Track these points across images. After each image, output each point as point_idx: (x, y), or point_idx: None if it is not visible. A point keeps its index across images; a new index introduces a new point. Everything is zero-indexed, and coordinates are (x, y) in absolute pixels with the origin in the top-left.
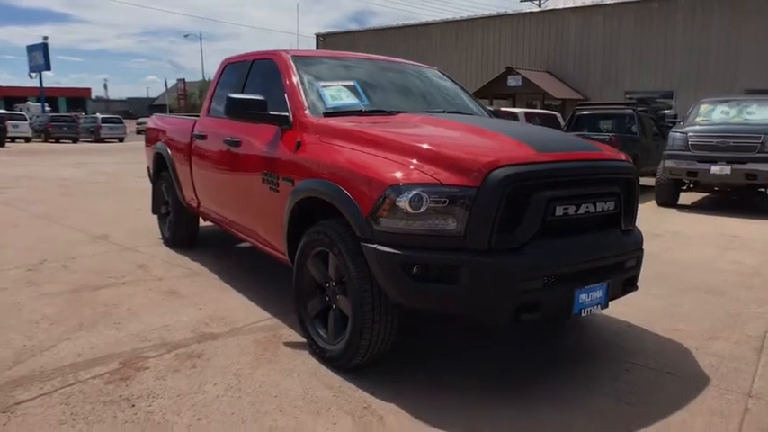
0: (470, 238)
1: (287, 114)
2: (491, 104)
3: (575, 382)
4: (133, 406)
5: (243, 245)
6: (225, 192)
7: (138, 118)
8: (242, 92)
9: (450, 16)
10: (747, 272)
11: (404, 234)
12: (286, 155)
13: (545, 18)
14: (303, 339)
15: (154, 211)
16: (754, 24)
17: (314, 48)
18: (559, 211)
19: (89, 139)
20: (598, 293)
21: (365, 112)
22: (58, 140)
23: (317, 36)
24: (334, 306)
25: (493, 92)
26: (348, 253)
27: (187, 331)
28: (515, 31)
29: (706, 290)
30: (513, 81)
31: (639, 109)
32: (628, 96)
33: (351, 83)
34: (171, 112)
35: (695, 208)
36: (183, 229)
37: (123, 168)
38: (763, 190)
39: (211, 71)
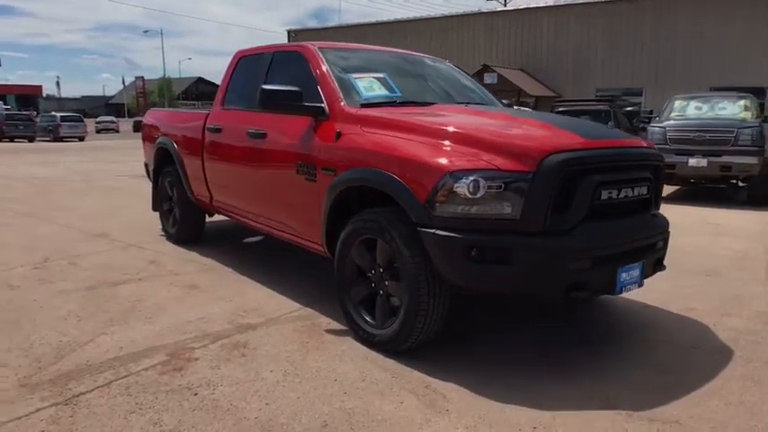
0: (526, 221)
1: (322, 105)
2: None
3: (610, 358)
4: (196, 395)
5: (249, 239)
6: (247, 184)
7: (96, 117)
8: (265, 83)
9: (415, 14)
10: (738, 256)
11: (461, 218)
12: (326, 145)
13: (519, 17)
14: (343, 326)
15: (154, 208)
16: (716, 26)
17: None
18: (605, 195)
19: (47, 138)
20: (636, 273)
21: (399, 103)
22: (12, 140)
23: (289, 32)
24: (381, 292)
25: None
26: (402, 239)
27: (223, 323)
28: (489, 30)
29: (707, 273)
30: (489, 78)
31: (614, 105)
32: (598, 94)
33: (380, 75)
34: (129, 111)
35: (672, 199)
36: (189, 225)
37: (96, 167)
38: (735, 181)
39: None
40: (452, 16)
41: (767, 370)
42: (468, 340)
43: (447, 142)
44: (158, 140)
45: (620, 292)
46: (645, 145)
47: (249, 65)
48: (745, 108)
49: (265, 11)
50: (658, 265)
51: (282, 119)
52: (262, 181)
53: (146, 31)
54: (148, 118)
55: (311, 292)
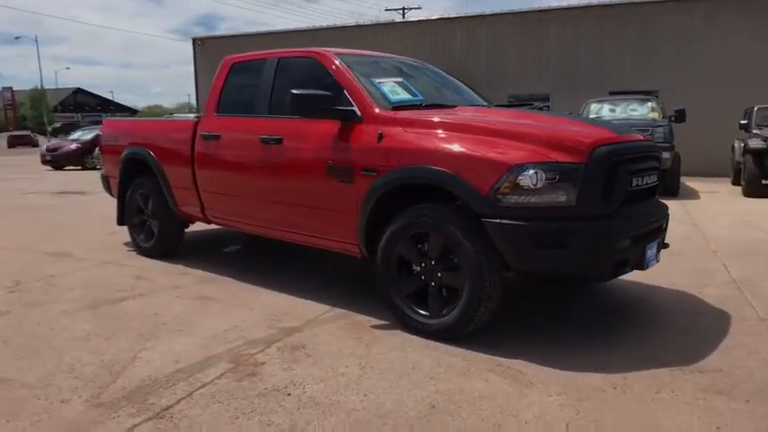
0: (580, 207)
1: (353, 108)
2: None
3: (636, 328)
4: (289, 395)
5: (229, 248)
6: (259, 191)
7: None
8: (272, 89)
9: (302, 23)
10: (684, 237)
11: (523, 208)
12: (365, 147)
13: (432, 27)
14: (383, 321)
15: (120, 222)
16: (614, 37)
17: (191, 53)
18: (634, 182)
19: None
20: (654, 250)
21: (425, 105)
22: None
23: (194, 40)
24: (432, 283)
25: None
26: (462, 231)
27: (263, 328)
28: (404, 39)
29: (670, 253)
30: None
31: (535, 108)
32: (510, 99)
33: (398, 79)
34: None
35: None
36: (169, 237)
37: None
38: None
39: (45, 78)
40: (367, 26)
41: (764, 325)
42: (506, 324)
43: (500, 139)
44: (127, 151)
45: (647, 266)
46: (649, 139)
47: (245, 71)
48: (653, 109)
49: (142, 17)
50: (663, 243)
51: (301, 123)
52: (279, 186)
53: (17, 38)
54: (109, 128)
55: (329, 292)
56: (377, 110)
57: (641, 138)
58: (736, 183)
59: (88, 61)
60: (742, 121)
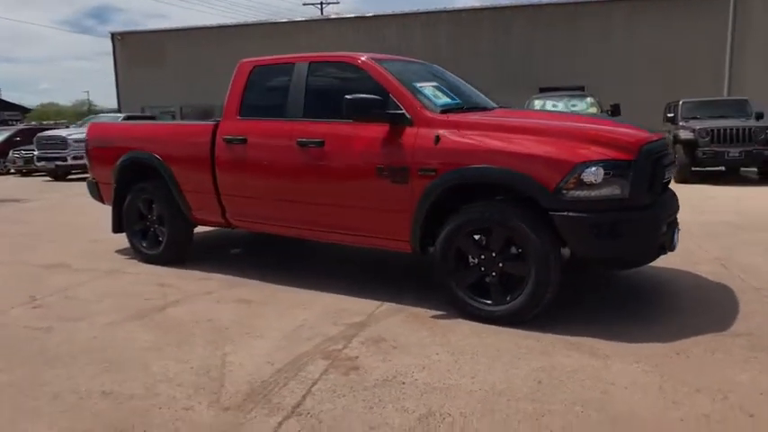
0: (632, 198)
1: (402, 112)
2: None
3: (659, 304)
4: (404, 383)
5: (234, 250)
6: (296, 193)
7: None
8: (305, 93)
9: (207, 16)
10: None
11: (584, 201)
12: (422, 149)
13: (367, 23)
14: (441, 312)
15: (117, 230)
16: (545, 35)
17: (110, 48)
18: (666, 175)
19: None
20: (678, 234)
21: (466, 108)
22: None
23: (113, 35)
24: (494, 273)
25: None
26: (528, 224)
27: (330, 325)
28: (338, 36)
29: None
30: None
31: None
32: None
33: (434, 83)
34: None
35: None
36: (179, 242)
37: None
38: None
39: None
40: (300, 21)
41: (762, 293)
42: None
43: (558, 140)
44: (128, 155)
45: (674, 249)
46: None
47: (270, 75)
48: (592, 104)
49: (23, 8)
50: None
51: (345, 127)
52: (320, 189)
53: None
54: (99, 132)
55: (369, 288)
56: (428, 113)
57: (662, 137)
58: None
59: None
60: (669, 114)
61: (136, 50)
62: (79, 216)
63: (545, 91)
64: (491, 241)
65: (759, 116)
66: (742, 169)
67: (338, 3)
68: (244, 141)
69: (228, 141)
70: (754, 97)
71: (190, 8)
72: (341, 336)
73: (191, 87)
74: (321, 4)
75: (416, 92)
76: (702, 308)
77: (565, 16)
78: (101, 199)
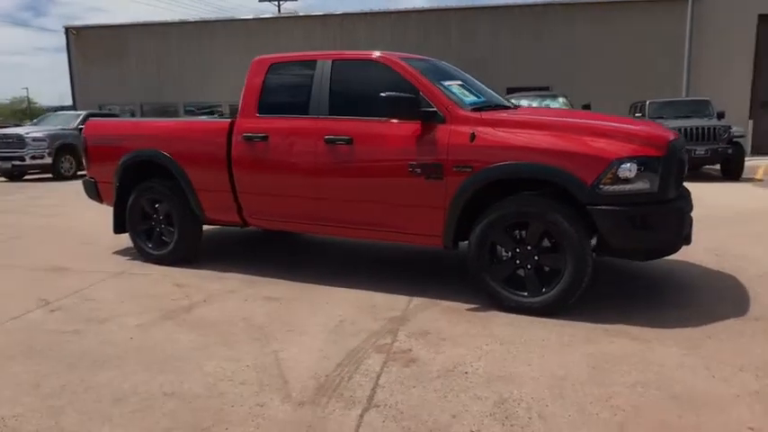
0: (661, 192)
1: (435, 110)
2: None
3: (676, 292)
4: (466, 373)
5: (238, 247)
6: (323, 190)
7: None
8: (330, 90)
9: (150, 10)
10: None
11: (619, 195)
12: (457, 145)
13: (336, 21)
14: (474, 305)
15: (119, 230)
16: (508, 36)
17: (64, 43)
18: (684, 171)
19: None
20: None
21: (494, 106)
22: None
23: (68, 29)
24: (529, 266)
25: None
26: (566, 217)
27: (370, 320)
28: (308, 34)
29: None
30: None
31: None
32: None
33: (459, 81)
34: None
35: None
36: (190, 242)
37: None
38: None
39: None
40: (269, 18)
41: (764, 279)
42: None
43: (593, 137)
44: (132, 153)
45: (691, 241)
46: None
47: (290, 72)
48: (565, 104)
49: None
50: None
51: (375, 124)
52: (350, 186)
53: None
54: (98, 129)
55: (394, 283)
56: (462, 111)
57: (679, 135)
58: None
59: None
60: (637, 114)
61: (92, 46)
62: (53, 218)
63: (513, 91)
64: (528, 235)
65: (720, 116)
66: (705, 167)
67: (296, 0)
68: (265, 139)
69: (248, 139)
70: (710, 97)
71: (129, 2)
72: (385, 330)
73: (152, 84)
74: (278, 0)
75: (446, 90)
76: (716, 295)
77: (530, 18)
78: (99, 199)
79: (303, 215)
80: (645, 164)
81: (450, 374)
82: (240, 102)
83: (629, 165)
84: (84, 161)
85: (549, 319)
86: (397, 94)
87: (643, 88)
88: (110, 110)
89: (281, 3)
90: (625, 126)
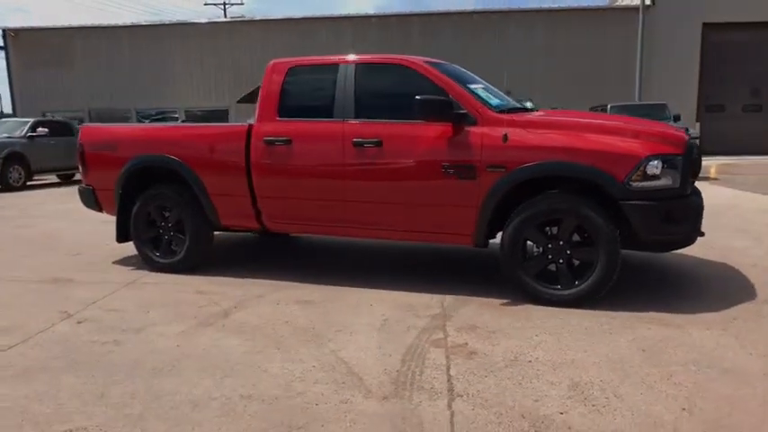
0: (680, 188)
1: (465, 112)
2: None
3: (688, 282)
4: (530, 361)
5: (233, 253)
6: (352, 193)
7: None
8: (354, 94)
9: (75, 13)
10: None
11: (646, 191)
12: (491, 146)
13: (296, 25)
14: (505, 299)
15: (123, 239)
16: (472, 38)
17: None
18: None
19: None
20: None
21: (518, 108)
22: None
23: (5, 31)
24: (561, 261)
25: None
26: (598, 213)
27: (414, 318)
28: (266, 38)
29: None
30: None
31: None
32: None
33: (481, 84)
34: None
35: None
36: (202, 248)
37: None
38: None
39: None
40: (222, 22)
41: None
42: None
43: (621, 137)
44: (138, 159)
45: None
46: None
47: (310, 76)
48: (532, 108)
49: None
50: None
51: (406, 127)
52: (380, 187)
53: None
54: (96, 135)
55: (422, 283)
56: (492, 113)
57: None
58: None
59: None
60: None
61: (34, 49)
62: (22, 230)
63: None
64: (560, 230)
65: (677, 118)
66: None
67: (242, 4)
68: (288, 142)
69: (269, 143)
70: (660, 100)
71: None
72: (432, 326)
73: (101, 90)
74: (224, 4)
75: (474, 93)
76: (722, 283)
77: (491, 24)
78: (98, 207)
79: (328, 218)
80: (668, 161)
81: (515, 363)
82: (257, 105)
83: (655, 162)
84: (80, 168)
85: (582, 310)
86: (433, 96)
87: (598, 92)
88: (53, 116)
89: (226, 7)
90: (648, 127)
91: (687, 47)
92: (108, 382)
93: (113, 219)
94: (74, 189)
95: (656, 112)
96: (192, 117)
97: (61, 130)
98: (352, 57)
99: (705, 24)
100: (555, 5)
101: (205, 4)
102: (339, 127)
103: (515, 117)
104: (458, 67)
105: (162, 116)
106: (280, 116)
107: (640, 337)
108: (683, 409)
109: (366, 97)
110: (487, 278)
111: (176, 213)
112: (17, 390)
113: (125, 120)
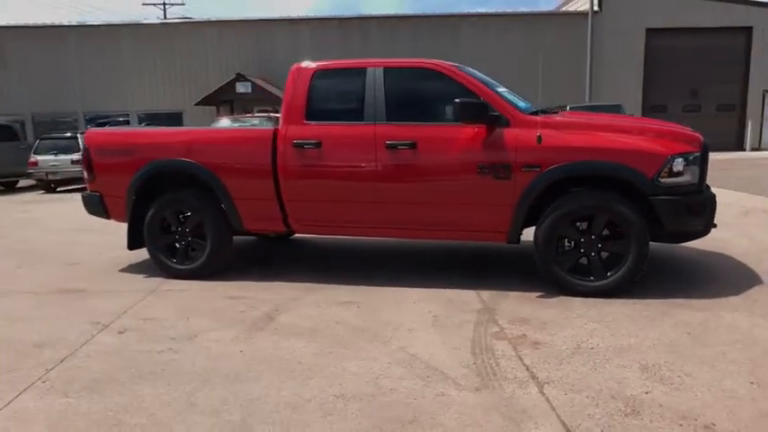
0: (699, 184)
1: (498, 114)
2: (218, 111)
3: (700, 272)
4: (592, 348)
5: (255, 254)
6: (387, 194)
7: None
8: (385, 97)
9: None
10: None
11: (672, 186)
12: (525, 147)
13: (252, 27)
14: (538, 292)
15: (135, 246)
16: (429, 40)
17: None
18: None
19: None
20: None
21: (541, 111)
22: None
23: None
24: (593, 254)
25: (219, 98)
26: (630, 209)
27: (461, 313)
28: (222, 39)
29: None
30: (242, 87)
31: None
32: None
33: (505, 88)
34: None
35: None
36: (224, 253)
37: None
38: None
39: None
40: (180, 23)
41: (760, 257)
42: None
43: (647, 137)
44: (153, 164)
45: None
46: None
47: (338, 79)
48: None
49: None
50: None
51: (440, 129)
52: (415, 188)
53: None
54: (104, 139)
55: (450, 280)
56: (524, 115)
57: None
58: None
59: None
60: None
61: None
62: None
63: None
64: (592, 225)
65: None
66: None
67: (183, 5)
68: (318, 145)
69: (298, 146)
70: (608, 100)
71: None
72: (483, 321)
73: (44, 93)
74: (164, 4)
75: (504, 96)
76: (728, 271)
77: (447, 27)
78: (106, 214)
79: (359, 219)
80: (689, 159)
81: (580, 351)
82: (282, 109)
83: (680, 160)
84: (85, 174)
85: (615, 299)
86: (470, 99)
87: (551, 93)
88: None
89: (166, 7)
90: (669, 127)
91: (632, 51)
92: (188, 390)
93: (87, 226)
94: (23, 197)
95: (614, 112)
96: (150, 120)
97: (3, 134)
98: (380, 60)
99: (648, 30)
100: (509, 10)
101: (144, 4)
102: (371, 129)
103: (548, 119)
104: (475, 70)
105: (108, 120)
106: (307, 119)
107: (680, 321)
108: (751, 382)
109: (396, 100)
110: (514, 272)
111: (195, 218)
112: (97, 403)
113: (72, 126)
